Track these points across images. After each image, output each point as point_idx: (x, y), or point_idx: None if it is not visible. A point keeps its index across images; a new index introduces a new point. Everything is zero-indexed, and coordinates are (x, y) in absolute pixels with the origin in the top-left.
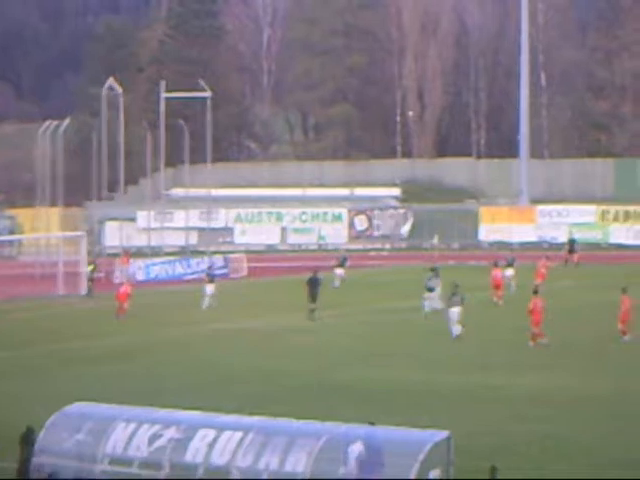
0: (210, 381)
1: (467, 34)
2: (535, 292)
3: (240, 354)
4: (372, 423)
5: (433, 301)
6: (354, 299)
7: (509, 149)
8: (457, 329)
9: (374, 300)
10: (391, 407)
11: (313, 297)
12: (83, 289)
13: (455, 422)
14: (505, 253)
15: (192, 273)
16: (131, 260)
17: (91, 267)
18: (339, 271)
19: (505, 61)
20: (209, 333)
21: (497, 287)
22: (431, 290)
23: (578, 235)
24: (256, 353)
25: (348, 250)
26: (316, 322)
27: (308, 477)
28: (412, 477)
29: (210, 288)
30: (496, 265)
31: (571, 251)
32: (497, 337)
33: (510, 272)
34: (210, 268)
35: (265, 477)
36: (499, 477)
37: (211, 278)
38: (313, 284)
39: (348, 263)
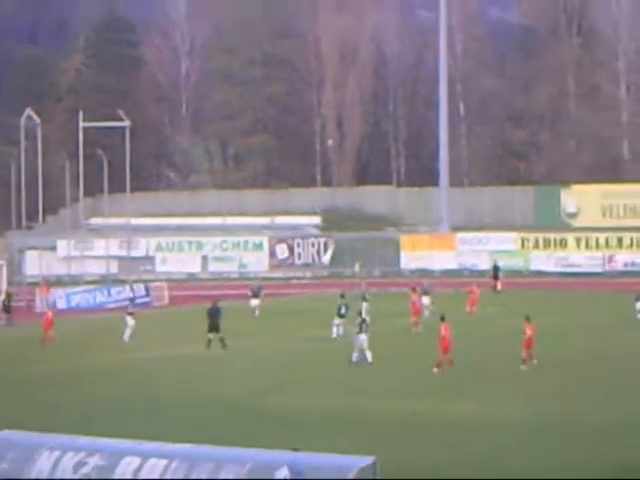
0: (136, 408)
1: (386, 64)
2: (442, 319)
3: (165, 382)
4: (295, 449)
5: (340, 327)
6: (275, 327)
7: (429, 177)
8: (368, 355)
9: (296, 328)
10: (315, 433)
11: (213, 327)
12: (2, 319)
13: (380, 448)
14: (422, 281)
15: (113, 302)
16: (52, 289)
17: (3, 296)
18: (254, 302)
19: (424, 90)
20: (134, 361)
21: (415, 313)
22: (342, 316)
23: (500, 262)
24: (181, 380)
25: (268, 278)
26: (225, 350)
27: None
28: None
29: (131, 321)
30: (414, 290)
31: (495, 277)
32: (416, 364)
33: (426, 300)
34: (132, 300)
35: None
36: None
37: (131, 312)
38: (213, 314)
39: (263, 292)
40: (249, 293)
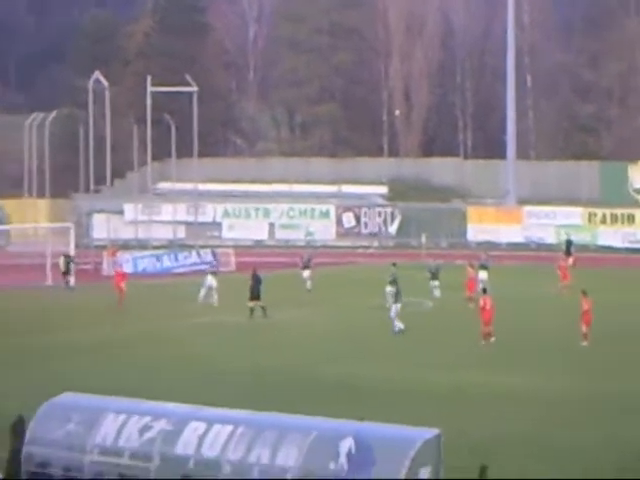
0: (196, 375)
1: (453, 34)
2: (484, 291)
3: (226, 349)
4: (361, 418)
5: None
6: (339, 296)
7: (496, 149)
8: (397, 325)
9: (360, 297)
10: (379, 403)
11: (254, 295)
12: (65, 282)
13: (444, 420)
14: (480, 255)
15: (180, 267)
16: (118, 253)
17: (62, 260)
18: (305, 273)
19: (491, 62)
20: (196, 327)
21: (470, 289)
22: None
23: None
24: (243, 348)
25: (335, 247)
26: (266, 319)
27: (298, 472)
28: (402, 475)
29: (212, 281)
30: (471, 266)
31: (568, 253)
32: (476, 336)
33: (484, 275)
34: (212, 263)
35: (256, 471)
36: (489, 476)
37: (214, 271)
38: (253, 282)
39: (313, 262)
40: (299, 264)
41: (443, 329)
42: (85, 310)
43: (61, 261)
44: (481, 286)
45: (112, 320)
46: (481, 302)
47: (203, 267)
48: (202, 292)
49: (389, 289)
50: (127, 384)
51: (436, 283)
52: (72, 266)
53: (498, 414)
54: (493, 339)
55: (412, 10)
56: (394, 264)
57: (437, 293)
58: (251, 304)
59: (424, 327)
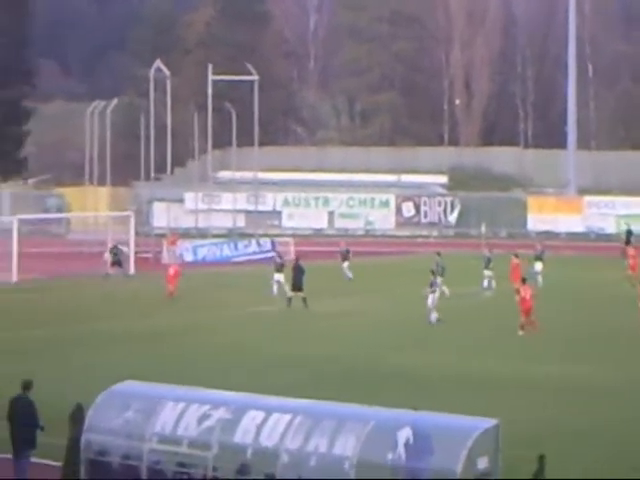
0: (254, 365)
1: (514, 22)
2: (523, 281)
3: (284, 338)
4: (415, 408)
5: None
6: (397, 285)
7: (556, 139)
8: (433, 315)
9: (419, 286)
10: (436, 393)
11: (295, 286)
12: (130, 268)
13: (501, 409)
14: (536, 245)
15: (240, 255)
16: (179, 241)
17: (109, 253)
18: (345, 264)
19: (552, 50)
20: (254, 316)
21: (515, 280)
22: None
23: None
24: (300, 338)
25: (394, 236)
26: (307, 309)
27: (356, 461)
28: (460, 465)
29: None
30: (516, 256)
31: (627, 242)
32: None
33: (539, 266)
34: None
35: (313, 460)
36: (547, 465)
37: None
38: (296, 272)
39: (351, 254)
40: (339, 257)
41: (499, 319)
42: (144, 298)
43: (107, 254)
44: (539, 278)
45: (171, 308)
46: (522, 292)
47: (262, 256)
48: (274, 287)
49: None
50: (186, 372)
51: (489, 273)
52: (120, 256)
53: (555, 404)
54: (521, 333)
55: None
56: (439, 253)
57: (486, 283)
58: (291, 294)
59: (480, 317)
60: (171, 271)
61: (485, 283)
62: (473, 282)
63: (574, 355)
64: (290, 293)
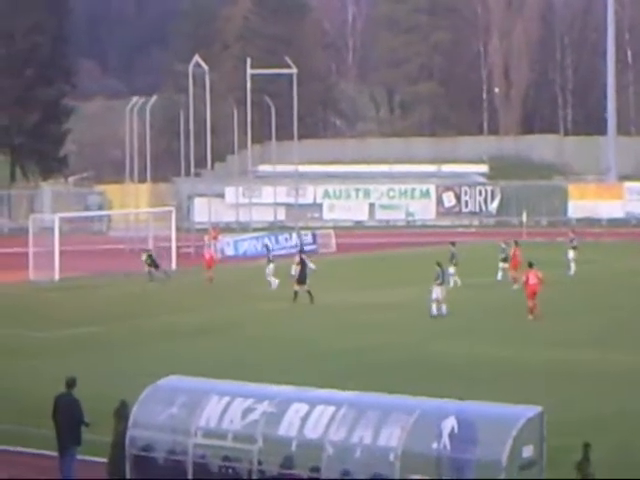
0: (297, 357)
1: (553, 10)
2: (530, 265)
3: (327, 330)
4: (460, 398)
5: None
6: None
7: (596, 126)
8: (443, 308)
9: (460, 276)
10: (478, 382)
11: (300, 279)
12: (173, 263)
13: (546, 398)
14: (569, 234)
15: (281, 249)
16: (220, 236)
17: (144, 256)
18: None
19: (591, 37)
20: (296, 309)
21: (515, 267)
22: (506, 260)
23: None
24: (345, 328)
25: (435, 226)
26: (312, 303)
27: (401, 452)
28: (505, 453)
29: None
30: (516, 244)
31: None
32: (579, 313)
33: (572, 254)
34: (301, 249)
35: (358, 451)
36: (592, 454)
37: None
38: (302, 266)
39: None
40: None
41: (541, 307)
42: (186, 293)
43: (143, 257)
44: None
45: (214, 302)
46: (524, 277)
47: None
48: (273, 282)
49: (451, 270)
50: (229, 366)
51: (505, 265)
52: (155, 260)
53: (601, 392)
54: (530, 317)
55: None
56: (453, 243)
57: (500, 276)
58: (297, 288)
59: (522, 305)
60: (207, 255)
61: (499, 275)
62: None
63: (612, 342)
64: (295, 287)
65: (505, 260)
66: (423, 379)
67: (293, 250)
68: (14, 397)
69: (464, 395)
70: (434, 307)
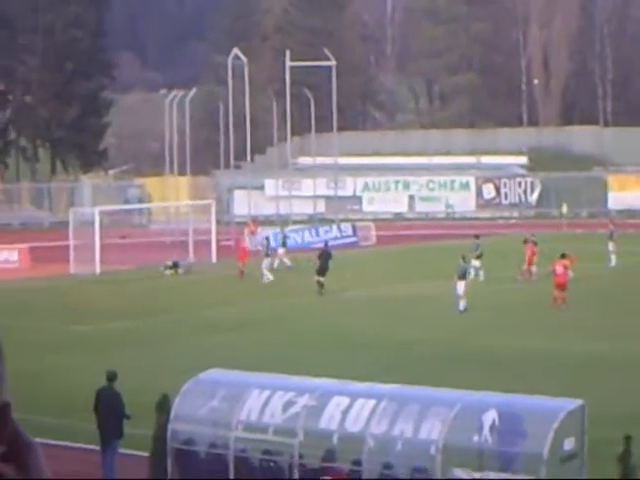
0: (337, 350)
1: (592, 0)
2: (562, 256)
3: (370, 322)
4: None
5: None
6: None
7: (636, 117)
8: (461, 303)
9: (501, 269)
10: (521, 375)
11: (321, 270)
12: (213, 256)
13: (585, 390)
14: (609, 225)
15: (321, 241)
16: (259, 228)
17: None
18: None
19: (631, 28)
20: (338, 301)
21: (529, 263)
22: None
23: None
24: (386, 321)
25: (475, 218)
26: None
27: (442, 445)
28: (547, 446)
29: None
30: (526, 242)
31: None
32: (614, 306)
33: (612, 246)
34: (325, 242)
35: (399, 444)
36: (634, 447)
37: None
38: (323, 257)
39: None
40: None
41: (581, 299)
42: (227, 286)
43: (167, 268)
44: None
45: (253, 296)
46: (556, 267)
47: (344, 241)
48: (267, 275)
49: (475, 263)
50: (270, 360)
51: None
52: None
53: None
54: (558, 307)
55: None
56: (477, 236)
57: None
58: (317, 277)
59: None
60: (242, 248)
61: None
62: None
63: None
64: (316, 277)
65: (479, 257)
66: (464, 372)
67: (334, 242)
68: (56, 391)
69: (505, 388)
70: (461, 303)
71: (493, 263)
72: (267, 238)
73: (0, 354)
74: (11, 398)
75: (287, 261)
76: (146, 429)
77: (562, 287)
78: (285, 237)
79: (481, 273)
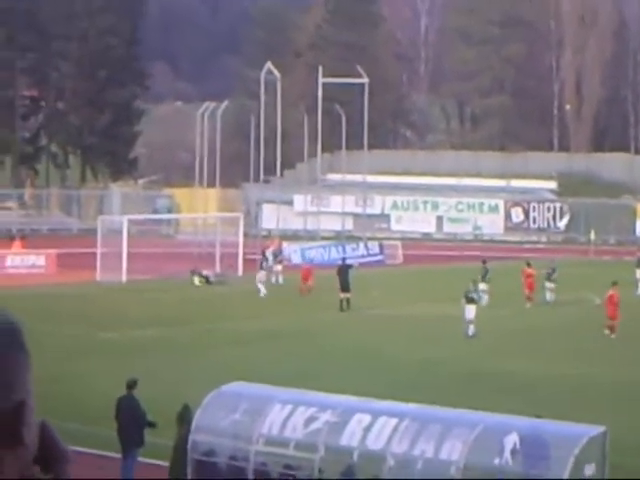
0: (361, 367)
1: (627, 27)
2: (614, 283)
3: (393, 341)
4: (539, 416)
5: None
6: (506, 290)
7: None
8: (470, 328)
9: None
10: (543, 399)
11: (343, 287)
12: (240, 270)
13: (609, 417)
14: (637, 252)
15: (348, 258)
16: (284, 244)
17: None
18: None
19: None
20: (363, 318)
21: (529, 288)
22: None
23: None
24: (410, 340)
25: (503, 241)
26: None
27: (462, 466)
28: (567, 471)
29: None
30: (529, 265)
31: None
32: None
33: (639, 274)
34: (343, 258)
35: (420, 464)
36: None
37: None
38: (342, 273)
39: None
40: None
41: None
42: (252, 299)
43: (195, 280)
44: None
45: (279, 310)
46: (609, 295)
47: (371, 259)
48: (262, 288)
49: (482, 287)
50: (294, 374)
51: (551, 285)
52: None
53: None
54: (607, 332)
55: (585, 1)
56: (484, 261)
57: (549, 296)
58: (342, 295)
59: (586, 323)
60: (305, 269)
61: (548, 296)
62: (581, 289)
63: None
64: (341, 294)
65: (487, 282)
66: (486, 393)
67: (361, 260)
68: (80, 397)
69: (527, 412)
70: (471, 328)
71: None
72: (263, 252)
73: (23, 356)
74: (33, 402)
75: (280, 278)
76: (167, 439)
77: (612, 316)
78: (282, 252)
79: (485, 297)
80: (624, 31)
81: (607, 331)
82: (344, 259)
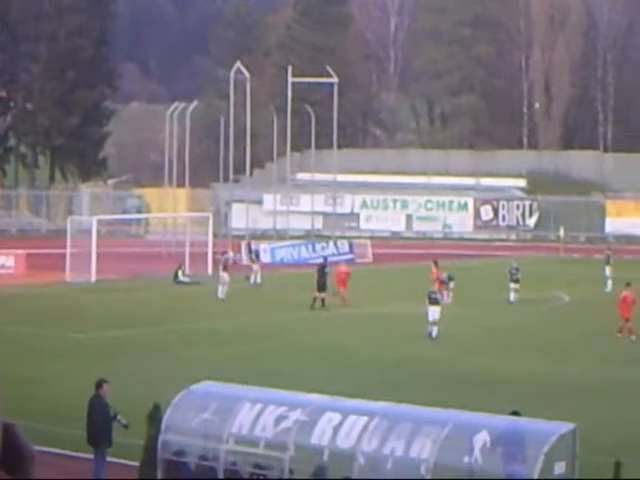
0: (332, 366)
1: (596, 27)
2: (627, 284)
3: (364, 340)
4: (516, 412)
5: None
6: (477, 289)
7: (636, 143)
8: (434, 330)
9: (498, 291)
10: (514, 397)
11: (320, 286)
12: (209, 269)
13: (580, 415)
14: (606, 250)
15: (317, 257)
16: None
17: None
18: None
19: (634, 55)
20: (334, 318)
21: (439, 285)
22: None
23: None
24: (380, 339)
25: (472, 239)
26: (322, 312)
27: (433, 464)
28: (537, 469)
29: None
30: (435, 264)
31: None
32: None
33: (608, 271)
34: (324, 258)
35: (390, 463)
36: (623, 474)
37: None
38: (320, 273)
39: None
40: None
41: (578, 323)
42: (223, 300)
43: (180, 274)
44: (609, 282)
45: (250, 309)
46: (625, 296)
47: (340, 258)
48: (220, 288)
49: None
50: (265, 373)
51: (515, 286)
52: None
53: (637, 411)
54: (619, 335)
55: (554, 1)
56: (436, 262)
57: (512, 297)
58: (315, 294)
59: (560, 321)
60: (342, 271)
61: (511, 296)
62: (551, 287)
63: None
64: (315, 294)
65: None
66: (457, 391)
67: (330, 259)
68: (49, 398)
69: (502, 410)
70: (434, 329)
71: (488, 284)
72: (225, 253)
73: None
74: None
75: (259, 277)
76: (137, 439)
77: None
78: (257, 251)
79: (449, 299)
80: (593, 31)
81: (620, 334)
82: (325, 258)
